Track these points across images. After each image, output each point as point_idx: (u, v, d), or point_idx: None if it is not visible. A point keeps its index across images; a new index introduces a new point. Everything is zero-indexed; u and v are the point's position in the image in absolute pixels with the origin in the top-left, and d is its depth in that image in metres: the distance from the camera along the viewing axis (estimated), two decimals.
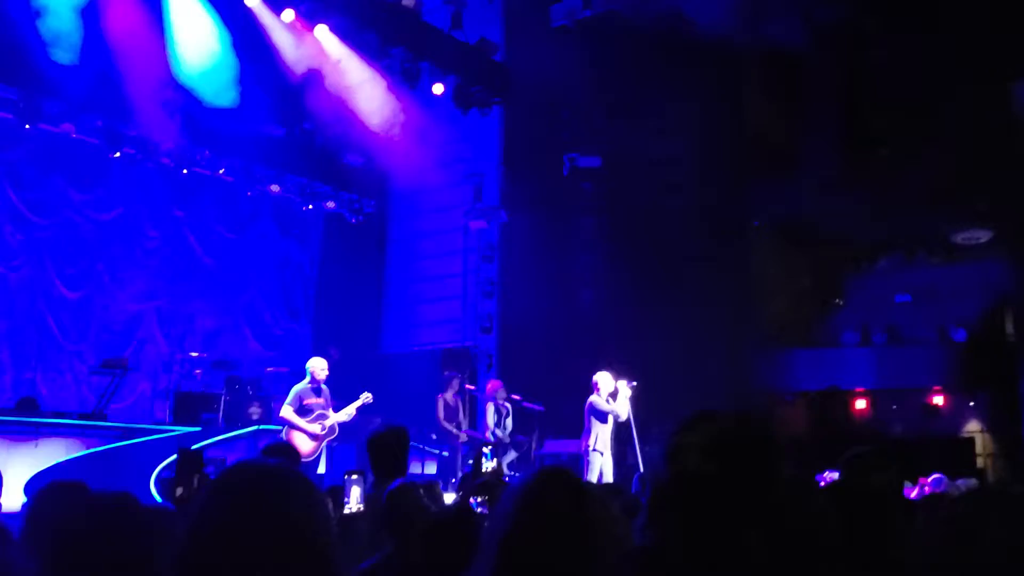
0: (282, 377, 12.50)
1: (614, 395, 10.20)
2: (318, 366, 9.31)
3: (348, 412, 9.40)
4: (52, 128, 11.61)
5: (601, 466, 10.01)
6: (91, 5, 10.75)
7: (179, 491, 4.30)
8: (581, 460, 10.29)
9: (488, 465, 5.02)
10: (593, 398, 10.16)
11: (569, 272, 14.83)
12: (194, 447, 10.02)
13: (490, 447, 5.10)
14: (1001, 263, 14.75)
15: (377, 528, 4.37)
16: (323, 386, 9.38)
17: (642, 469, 9.26)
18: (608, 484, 7.28)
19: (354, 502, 3.90)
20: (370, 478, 4.27)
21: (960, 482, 7.36)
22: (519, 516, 1.90)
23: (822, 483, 7.72)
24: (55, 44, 10.46)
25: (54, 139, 11.92)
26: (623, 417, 10.12)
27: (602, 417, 10.09)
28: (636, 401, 10.28)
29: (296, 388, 9.25)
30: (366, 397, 9.50)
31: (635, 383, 10.30)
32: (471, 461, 11.20)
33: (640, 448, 10.17)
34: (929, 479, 7.70)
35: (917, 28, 13.13)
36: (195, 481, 4.40)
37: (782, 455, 1.77)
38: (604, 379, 10.20)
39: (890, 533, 2.93)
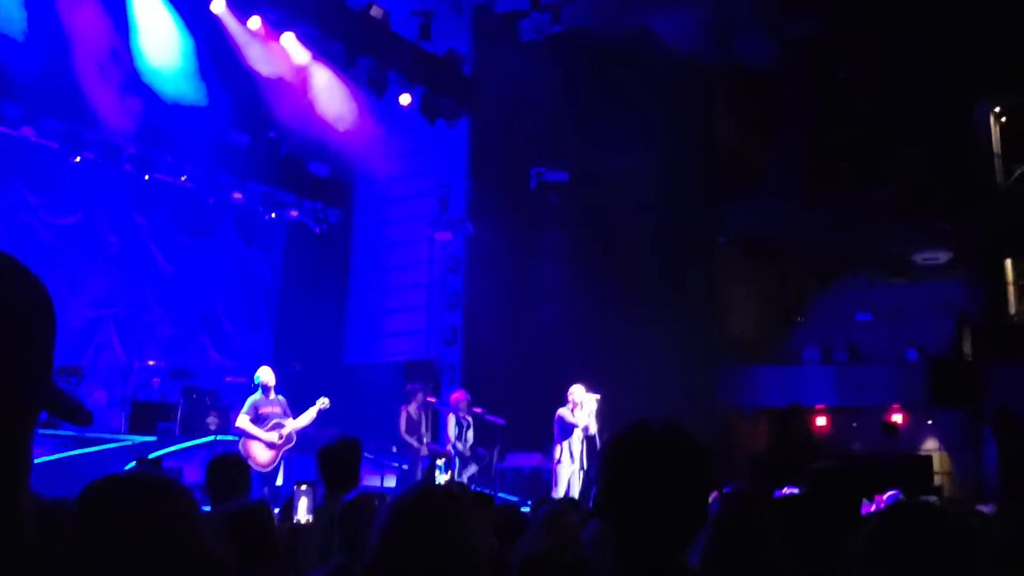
0: (240, 387, 12.34)
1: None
2: (267, 374, 9.21)
3: (306, 418, 9.28)
4: (11, 131, 11.42)
5: (569, 478, 10.02)
6: (53, 9, 10.63)
7: None
8: (548, 474, 10.30)
9: (442, 478, 4.94)
10: (561, 410, 10.17)
11: (534, 286, 14.83)
12: (151, 456, 9.90)
13: (444, 459, 5.02)
14: (960, 283, 14.95)
15: (327, 540, 4.29)
16: (278, 395, 9.27)
17: None
18: (565, 498, 7.24)
19: (303, 513, 3.82)
20: (320, 489, 4.20)
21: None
22: (388, 531, 1.93)
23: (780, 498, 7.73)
24: (15, 47, 10.32)
25: (13, 142, 11.72)
26: (591, 430, 10.09)
27: (567, 430, 10.10)
28: (600, 415, 10.26)
29: (251, 398, 9.13)
30: (323, 402, 9.37)
31: (599, 396, 10.28)
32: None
33: None
34: (885, 496, 7.72)
35: (883, 48, 13.31)
36: None
37: (710, 462, 1.77)
38: (575, 391, 10.21)
39: (841, 548, 2.93)
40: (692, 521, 1.76)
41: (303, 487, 3.91)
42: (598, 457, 1.84)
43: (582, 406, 10.18)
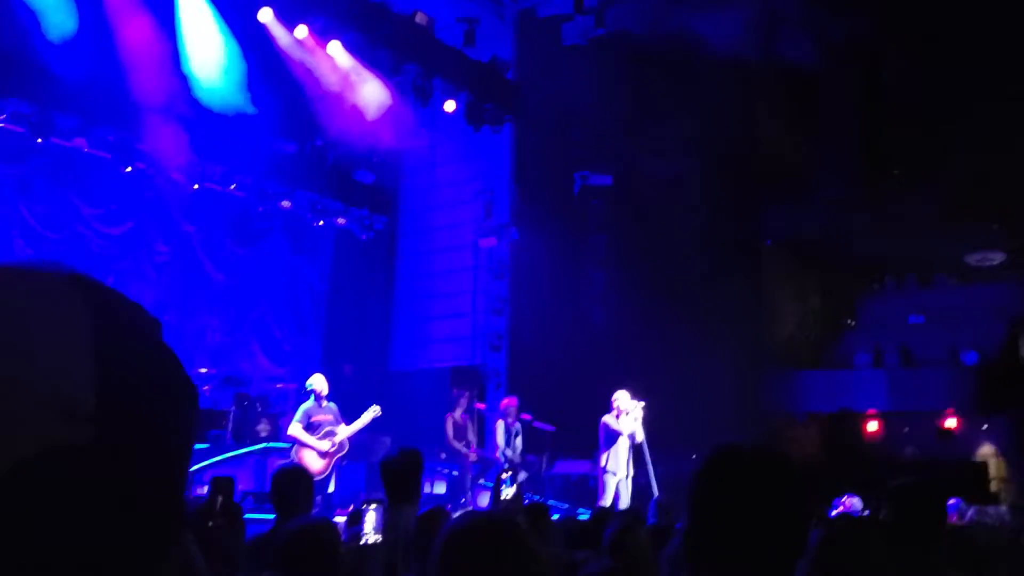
0: (291, 394, 12.42)
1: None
2: (319, 382, 9.24)
3: (357, 425, 9.30)
4: (64, 142, 11.61)
5: (617, 488, 9.90)
6: (104, 21, 10.79)
7: (210, 523, 4.19)
8: (596, 481, 10.21)
9: (508, 492, 4.90)
10: (606, 417, 10.03)
11: (579, 290, 14.78)
12: (212, 471, 9.96)
13: (509, 473, 4.98)
14: (1014, 285, 14.67)
15: (393, 555, 4.28)
16: (329, 403, 9.30)
17: (656, 493, 9.13)
18: (628, 510, 7.19)
19: (370, 532, 3.80)
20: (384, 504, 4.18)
21: (991, 510, 7.17)
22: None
23: (842, 509, 7.62)
24: (68, 59, 10.49)
25: (66, 153, 11.91)
26: (637, 438, 9.94)
27: (612, 437, 9.96)
28: (646, 421, 10.14)
29: (304, 406, 9.17)
30: (375, 410, 9.38)
31: (643, 403, 10.11)
32: (481, 480, 11.15)
33: (654, 471, 9.97)
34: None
35: (931, 49, 13.10)
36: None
37: (804, 489, 1.70)
38: (620, 397, 10.07)
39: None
40: (792, 550, 1.70)
41: (373, 505, 3.87)
42: (686, 487, 1.77)
43: (627, 413, 10.03)
